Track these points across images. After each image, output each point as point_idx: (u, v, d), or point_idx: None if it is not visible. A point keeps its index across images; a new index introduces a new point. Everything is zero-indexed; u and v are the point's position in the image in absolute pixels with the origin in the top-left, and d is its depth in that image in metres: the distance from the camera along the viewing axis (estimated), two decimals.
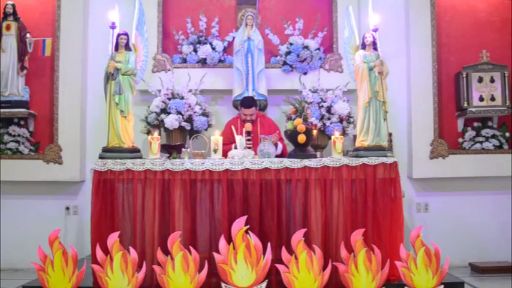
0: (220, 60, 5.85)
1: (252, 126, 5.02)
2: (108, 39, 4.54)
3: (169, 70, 5.78)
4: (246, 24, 5.56)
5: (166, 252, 3.87)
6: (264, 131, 5.06)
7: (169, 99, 5.38)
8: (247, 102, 5.15)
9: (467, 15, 5.81)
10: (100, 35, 5.41)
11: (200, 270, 3.87)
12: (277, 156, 4.57)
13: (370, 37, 4.54)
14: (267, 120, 5.33)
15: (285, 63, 5.79)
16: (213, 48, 5.81)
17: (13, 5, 5.56)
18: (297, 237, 3.87)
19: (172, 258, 3.83)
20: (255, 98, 5.43)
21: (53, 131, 5.61)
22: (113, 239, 3.87)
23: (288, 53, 5.75)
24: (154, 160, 4.27)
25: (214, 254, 3.87)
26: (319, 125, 5.26)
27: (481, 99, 5.57)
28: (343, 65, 5.77)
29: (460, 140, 5.73)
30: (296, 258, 3.85)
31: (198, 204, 4.28)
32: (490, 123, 5.72)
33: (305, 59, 5.73)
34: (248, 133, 4.89)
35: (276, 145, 4.74)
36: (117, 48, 4.47)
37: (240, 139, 4.61)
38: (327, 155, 4.67)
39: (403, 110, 5.84)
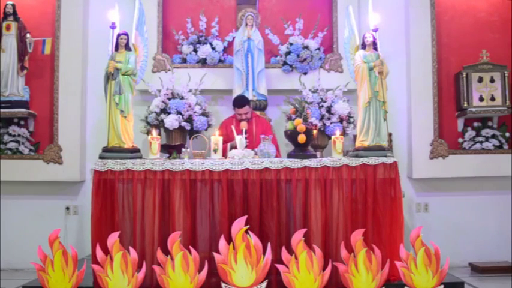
0: (220, 60, 5.85)
1: (247, 125, 5.02)
2: (108, 39, 4.53)
3: (169, 70, 5.78)
4: (246, 24, 5.55)
5: (166, 252, 3.87)
6: (259, 130, 5.07)
7: (169, 99, 5.37)
8: (239, 101, 5.18)
9: (467, 15, 5.81)
10: (100, 35, 5.41)
11: (200, 270, 3.87)
12: None
13: (370, 37, 4.53)
14: (262, 120, 5.31)
15: (285, 63, 5.79)
16: (213, 48, 5.81)
17: (13, 5, 5.56)
18: (297, 237, 3.87)
19: (172, 258, 3.82)
20: (255, 97, 5.44)
21: (53, 131, 5.61)
22: (113, 239, 3.87)
23: (288, 53, 5.75)
24: (154, 160, 4.27)
25: (214, 254, 3.87)
26: (319, 125, 5.26)
27: (481, 99, 5.57)
28: (343, 65, 5.76)
29: (460, 140, 5.73)
30: (296, 258, 3.85)
31: (198, 204, 4.27)
32: (490, 123, 5.72)
33: (305, 59, 5.73)
34: (245, 131, 4.88)
35: None
36: (117, 48, 4.46)
37: (240, 139, 4.61)
38: (327, 155, 4.67)
39: (403, 110, 5.84)
